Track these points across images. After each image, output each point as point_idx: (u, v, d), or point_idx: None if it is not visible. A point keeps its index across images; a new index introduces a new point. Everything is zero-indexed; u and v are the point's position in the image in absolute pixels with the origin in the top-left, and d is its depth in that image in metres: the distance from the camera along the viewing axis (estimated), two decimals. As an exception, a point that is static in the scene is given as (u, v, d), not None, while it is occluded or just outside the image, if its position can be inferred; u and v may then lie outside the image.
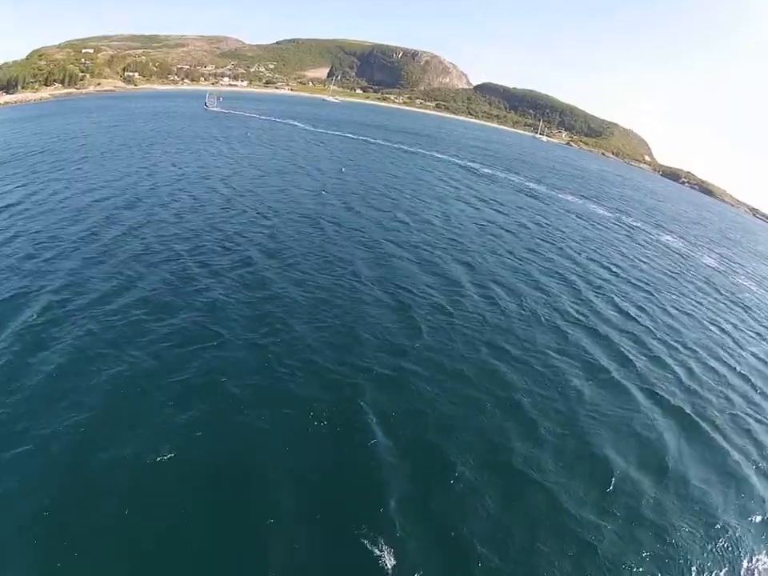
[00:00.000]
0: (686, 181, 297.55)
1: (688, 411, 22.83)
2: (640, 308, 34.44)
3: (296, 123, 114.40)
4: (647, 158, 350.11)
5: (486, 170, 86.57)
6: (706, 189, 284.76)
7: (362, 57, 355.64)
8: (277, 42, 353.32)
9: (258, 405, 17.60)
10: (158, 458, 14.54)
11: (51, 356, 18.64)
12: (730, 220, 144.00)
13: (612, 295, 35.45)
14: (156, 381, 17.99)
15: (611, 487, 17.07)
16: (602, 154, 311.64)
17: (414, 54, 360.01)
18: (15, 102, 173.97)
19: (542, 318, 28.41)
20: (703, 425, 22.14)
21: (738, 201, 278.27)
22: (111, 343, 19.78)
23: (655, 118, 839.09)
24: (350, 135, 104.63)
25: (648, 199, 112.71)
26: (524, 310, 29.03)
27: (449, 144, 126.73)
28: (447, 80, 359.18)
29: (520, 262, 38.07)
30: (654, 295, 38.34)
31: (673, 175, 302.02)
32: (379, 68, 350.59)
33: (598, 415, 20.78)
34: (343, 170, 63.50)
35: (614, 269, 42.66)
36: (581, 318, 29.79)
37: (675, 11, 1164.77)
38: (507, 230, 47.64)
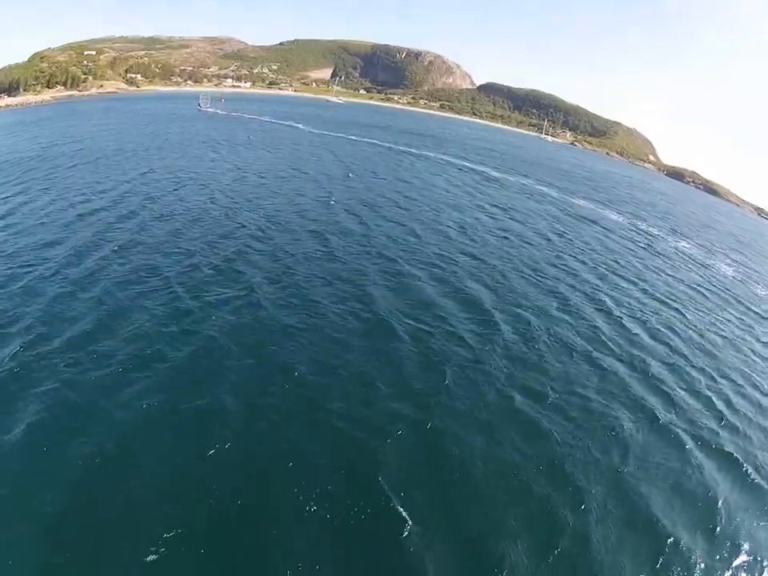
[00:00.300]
0: (690, 180, 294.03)
1: (735, 456, 20.07)
2: (672, 329, 31.42)
3: (299, 125, 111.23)
4: (651, 157, 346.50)
5: (496, 174, 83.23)
6: (710, 188, 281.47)
7: (365, 57, 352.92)
8: (280, 43, 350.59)
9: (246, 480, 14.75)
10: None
11: (20, 414, 15.63)
12: (739, 222, 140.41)
13: (642, 316, 32.41)
14: (139, 450, 15.04)
15: (661, 560, 14.53)
16: (607, 153, 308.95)
17: (417, 54, 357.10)
18: (16, 104, 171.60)
19: (574, 349, 25.33)
20: (753, 474, 19.40)
21: (742, 200, 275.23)
22: (89, 397, 16.68)
23: (656, 119, 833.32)
24: (355, 138, 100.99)
25: (659, 202, 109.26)
26: (553, 340, 25.90)
27: (456, 145, 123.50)
28: (451, 80, 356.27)
29: (543, 280, 34.84)
30: (683, 314, 35.23)
31: (677, 175, 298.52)
32: (383, 68, 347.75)
33: (642, 468, 18.06)
34: (350, 175, 60.44)
35: (641, 284, 39.49)
36: (614, 346, 26.68)
37: (674, 11, 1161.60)
38: (526, 242, 44.40)
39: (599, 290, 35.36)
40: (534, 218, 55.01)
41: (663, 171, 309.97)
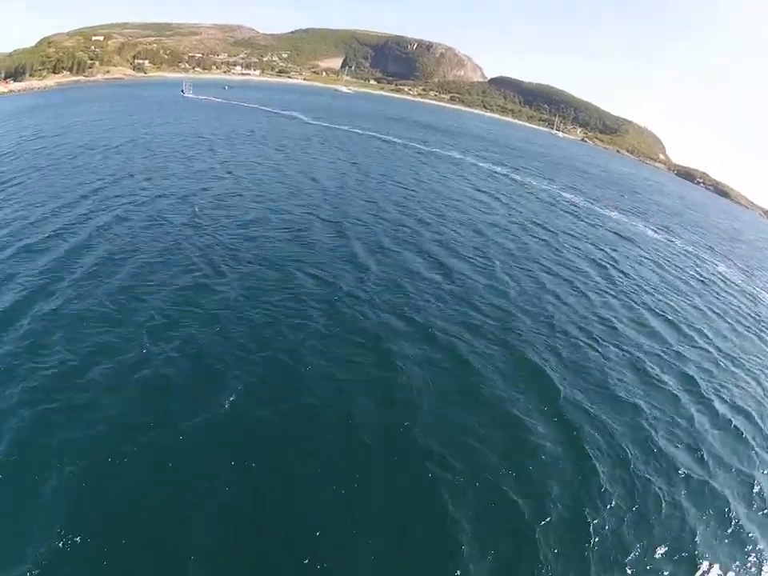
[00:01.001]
0: (701, 181, 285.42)
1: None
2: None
3: (302, 117, 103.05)
4: (661, 156, 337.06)
5: (517, 176, 75.32)
6: (721, 190, 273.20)
7: (376, 48, 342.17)
8: (291, 32, 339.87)
9: None
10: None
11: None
12: (762, 233, 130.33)
13: (718, 386, 24.87)
14: None
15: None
16: (617, 151, 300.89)
17: (428, 46, 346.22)
18: (19, 90, 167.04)
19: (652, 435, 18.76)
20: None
21: (751, 203, 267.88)
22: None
23: (657, 119, 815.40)
24: (365, 132, 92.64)
25: (684, 210, 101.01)
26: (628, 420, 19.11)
27: (471, 141, 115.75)
28: (462, 72, 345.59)
29: (624, 349, 25.75)
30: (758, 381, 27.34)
31: (688, 175, 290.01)
32: (394, 59, 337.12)
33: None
34: (361, 182, 51.33)
35: (705, 338, 30.75)
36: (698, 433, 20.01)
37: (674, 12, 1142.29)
38: (572, 287, 32.94)
39: (668, 351, 27.13)
40: (580, 241, 45.92)
41: (674, 171, 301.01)
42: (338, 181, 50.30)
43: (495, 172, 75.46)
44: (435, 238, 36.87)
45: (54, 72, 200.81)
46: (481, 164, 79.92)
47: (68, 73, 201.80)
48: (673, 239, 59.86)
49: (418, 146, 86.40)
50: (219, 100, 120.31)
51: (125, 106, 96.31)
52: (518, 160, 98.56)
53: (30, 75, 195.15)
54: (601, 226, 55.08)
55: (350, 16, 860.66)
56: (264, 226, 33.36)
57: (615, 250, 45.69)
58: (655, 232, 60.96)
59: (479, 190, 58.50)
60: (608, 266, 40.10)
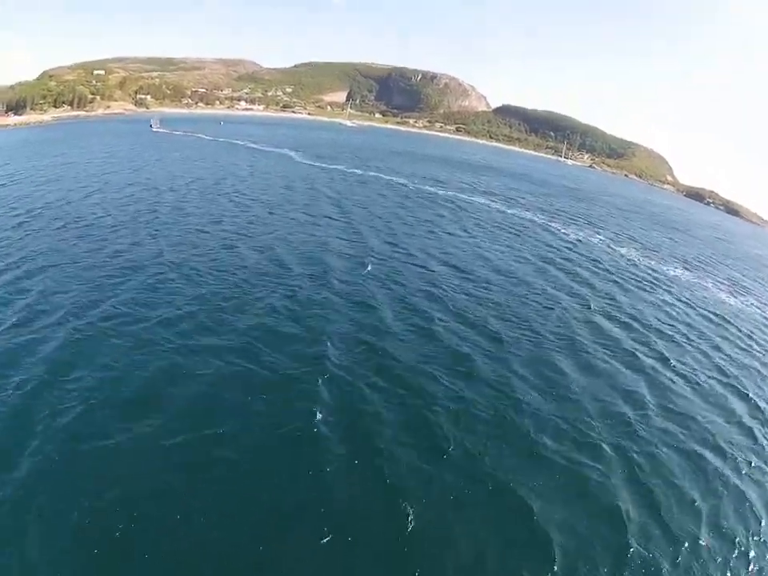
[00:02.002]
0: (711, 201, 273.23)
1: None
2: None
3: (294, 155, 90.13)
4: (669, 177, 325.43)
5: (562, 228, 59.49)
6: (732, 209, 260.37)
7: (380, 80, 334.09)
8: (294, 66, 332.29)
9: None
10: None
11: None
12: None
13: None
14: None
15: None
16: (626, 175, 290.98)
17: (432, 77, 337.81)
18: (15, 124, 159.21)
19: None
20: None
21: (762, 220, 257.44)
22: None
23: (662, 135, 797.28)
24: (368, 172, 79.04)
25: (731, 247, 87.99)
26: None
27: (490, 177, 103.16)
28: (467, 103, 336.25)
29: None
30: None
31: (697, 196, 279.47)
32: (398, 91, 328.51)
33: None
34: (369, 267, 32.63)
35: None
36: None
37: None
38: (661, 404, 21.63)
39: None
40: (677, 342, 30.11)
41: (682, 192, 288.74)
42: (318, 268, 31.25)
43: (535, 222, 60.59)
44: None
45: (55, 106, 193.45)
46: (511, 210, 66.10)
47: (68, 107, 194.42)
48: (749, 300, 46.02)
49: (433, 189, 72.34)
50: (202, 136, 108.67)
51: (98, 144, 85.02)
52: (551, 201, 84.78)
53: (31, 109, 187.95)
54: (695, 305, 39.13)
55: (351, 48, 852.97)
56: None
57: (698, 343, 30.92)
58: (737, 298, 45.87)
59: (530, 259, 42.18)
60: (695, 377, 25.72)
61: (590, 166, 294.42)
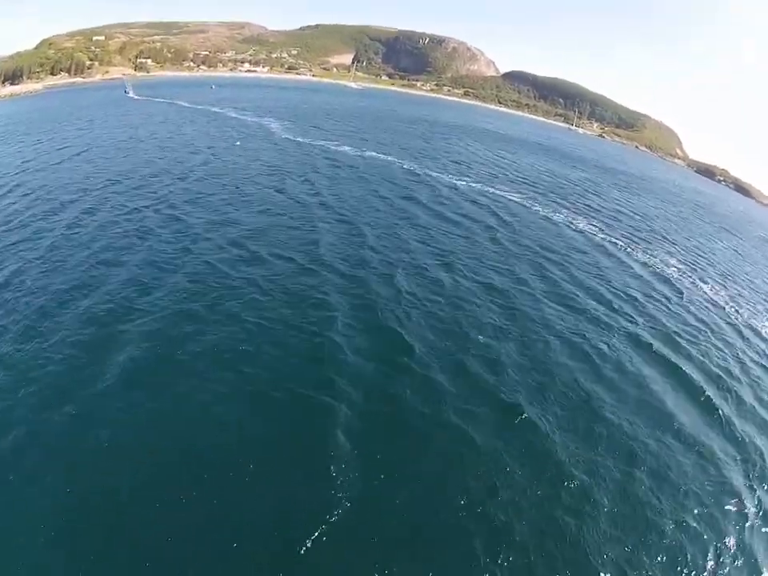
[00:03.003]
0: (721, 179, 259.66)
1: None
2: None
3: (277, 127, 74.25)
4: (679, 151, 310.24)
5: (639, 255, 40.70)
6: (741, 187, 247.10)
7: (387, 43, 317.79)
8: (300, 28, 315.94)
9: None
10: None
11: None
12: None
13: None
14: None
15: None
16: (636, 147, 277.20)
17: (440, 41, 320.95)
18: (3, 96, 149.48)
19: None
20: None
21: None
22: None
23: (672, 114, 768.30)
24: (373, 153, 61.11)
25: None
26: None
27: (527, 154, 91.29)
28: (475, 67, 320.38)
29: None
30: None
31: (708, 173, 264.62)
32: (405, 54, 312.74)
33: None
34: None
35: None
36: None
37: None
38: None
39: None
40: None
41: (693, 168, 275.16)
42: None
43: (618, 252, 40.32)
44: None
45: (52, 74, 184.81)
46: (589, 229, 44.81)
47: (66, 74, 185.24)
48: None
49: (490, 189, 51.87)
50: (182, 103, 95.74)
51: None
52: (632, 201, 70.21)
53: (28, 78, 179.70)
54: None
55: (359, 11, 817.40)
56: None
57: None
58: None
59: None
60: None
61: (600, 135, 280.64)
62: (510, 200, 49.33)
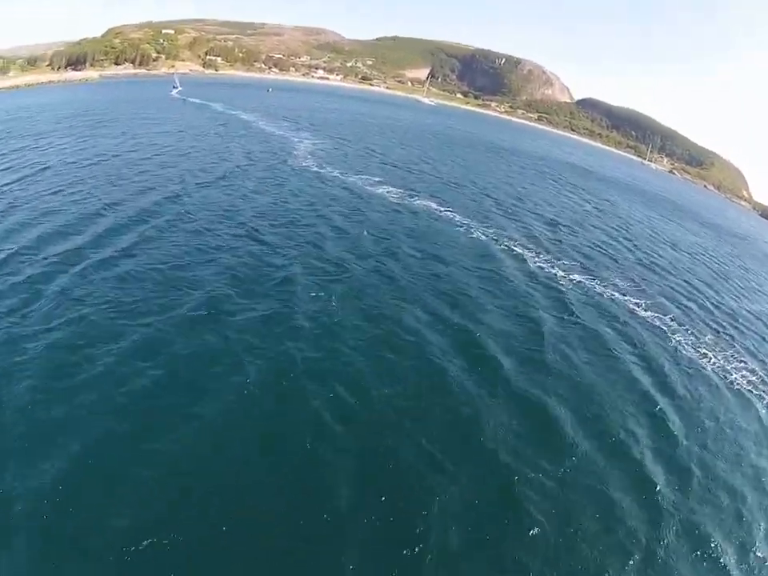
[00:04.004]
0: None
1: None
2: None
3: (319, 163, 38.64)
4: (745, 192, 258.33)
5: None
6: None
7: (463, 61, 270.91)
8: (377, 39, 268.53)
9: None
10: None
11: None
12: None
13: None
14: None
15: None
16: (705, 186, 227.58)
17: (516, 62, 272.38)
18: (58, 81, 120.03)
19: None
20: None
21: None
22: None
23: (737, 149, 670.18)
24: (444, 212, 29.75)
25: None
26: None
27: (635, 205, 54.97)
28: (549, 92, 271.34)
29: None
30: None
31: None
32: (481, 73, 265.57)
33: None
34: None
35: None
36: None
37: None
38: None
39: None
40: None
41: (758, 211, 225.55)
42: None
43: None
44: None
45: (116, 63, 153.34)
46: None
47: (130, 65, 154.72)
48: None
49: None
50: (218, 107, 63.88)
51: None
52: None
53: (91, 65, 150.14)
54: None
55: (434, 26, 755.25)
56: None
57: None
58: None
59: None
60: None
61: (671, 172, 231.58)
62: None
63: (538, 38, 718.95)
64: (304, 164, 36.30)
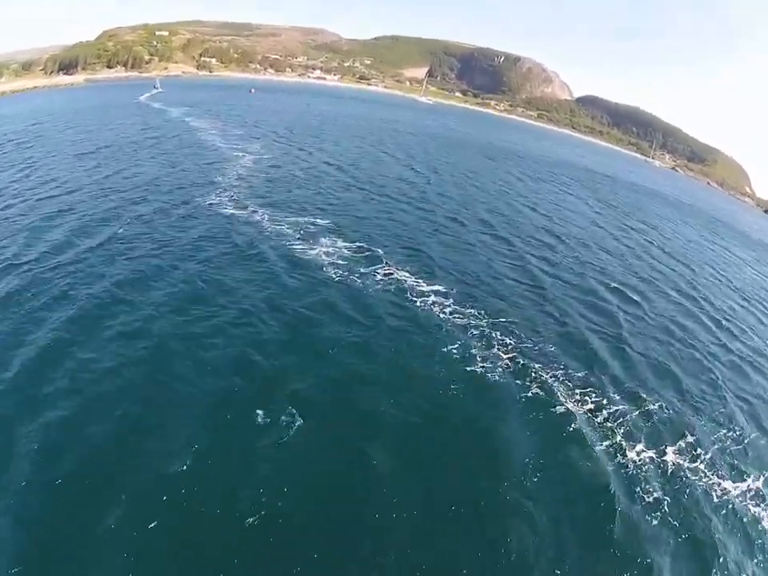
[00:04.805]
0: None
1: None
2: None
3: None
4: (748, 189, 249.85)
5: None
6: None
7: (462, 59, 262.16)
8: (374, 38, 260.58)
9: None
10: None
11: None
12: None
13: None
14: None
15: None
16: (708, 183, 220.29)
17: (516, 60, 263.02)
18: (43, 86, 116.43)
19: None
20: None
21: None
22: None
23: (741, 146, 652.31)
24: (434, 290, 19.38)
25: None
26: None
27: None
28: (549, 89, 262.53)
29: None
30: None
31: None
32: (480, 72, 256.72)
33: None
34: None
35: None
36: None
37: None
38: None
39: None
40: None
41: (762, 208, 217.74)
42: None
43: None
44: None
45: (109, 66, 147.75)
46: None
47: (122, 68, 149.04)
48: None
49: None
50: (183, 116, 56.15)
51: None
52: None
53: (83, 69, 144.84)
54: None
55: (434, 25, 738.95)
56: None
57: None
58: None
59: None
60: None
61: (673, 168, 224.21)
62: None
63: (537, 39, 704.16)
64: (219, 199, 27.00)
